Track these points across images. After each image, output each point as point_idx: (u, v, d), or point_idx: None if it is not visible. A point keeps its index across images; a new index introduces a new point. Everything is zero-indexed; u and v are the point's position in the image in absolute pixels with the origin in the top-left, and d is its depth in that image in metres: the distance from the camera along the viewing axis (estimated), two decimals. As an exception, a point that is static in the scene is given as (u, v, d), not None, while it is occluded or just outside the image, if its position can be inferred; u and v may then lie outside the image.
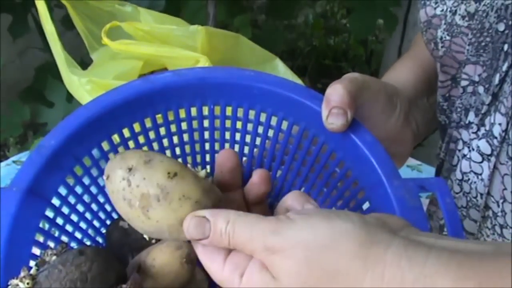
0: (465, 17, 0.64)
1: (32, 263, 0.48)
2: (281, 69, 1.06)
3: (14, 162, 1.06)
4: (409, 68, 0.76)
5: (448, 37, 0.66)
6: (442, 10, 0.66)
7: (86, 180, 0.60)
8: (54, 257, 0.48)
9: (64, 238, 0.59)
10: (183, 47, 0.94)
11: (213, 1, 1.59)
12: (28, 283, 0.45)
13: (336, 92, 0.56)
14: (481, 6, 0.63)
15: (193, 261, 0.53)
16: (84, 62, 1.09)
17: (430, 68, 0.75)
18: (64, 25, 1.45)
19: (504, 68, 0.58)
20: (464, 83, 0.66)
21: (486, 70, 0.62)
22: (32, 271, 0.47)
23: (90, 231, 0.63)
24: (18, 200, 0.50)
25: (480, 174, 0.62)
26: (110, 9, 1.07)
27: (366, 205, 0.57)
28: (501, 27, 0.60)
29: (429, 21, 0.68)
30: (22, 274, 0.46)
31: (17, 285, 0.45)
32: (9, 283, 0.45)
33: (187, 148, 0.66)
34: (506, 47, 0.59)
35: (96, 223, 0.64)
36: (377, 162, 0.54)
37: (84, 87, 0.89)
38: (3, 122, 1.78)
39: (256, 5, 2.59)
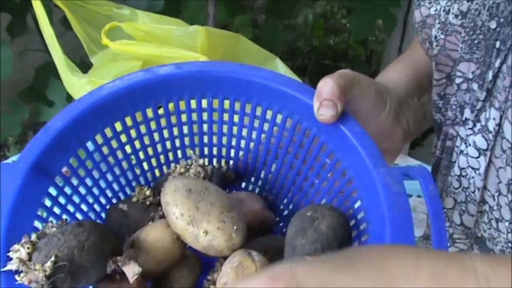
0: (458, 16, 0.66)
1: (33, 234, 0.51)
2: (281, 69, 1.07)
3: (14, 162, 1.07)
4: (401, 69, 0.78)
5: (442, 36, 0.68)
6: (436, 10, 0.68)
7: (89, 164, 0.62)
8: (54, 229, 0.51)
9: (66, 218, 0.61)
10: (183, 47, 0.95)
11: (213, 1, 1.59)
12: (28, 248, 0.48)
13: (326, 85, 0.58)
14: (473, 4, 0.64)
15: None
16: (84, 62, 1.10)
17: (422, 70, 0.77)
18: (64, 25, 1.46)
19: (497, 64, 0.60)
20: (458, 80, 0.67)
21: (479, 67, 0.64)
22: (33, 238, 0.50)
23: (90, 214, 0.65)
24: (23, 174, 0.53)
25: (478, 169, 0.63)
26: (108, 12, 1.08)
27: (354, 193, 0.59)
28: (493, 24, 0.61)
29: (424, 21, 0.69)
30: (23, 240, 0.49)
31: (18, 250, 0.48)
32: (11, 249, 0.48)
33: (186, 140, 0.68)
34: (498, 44, 0.60)
35: (96, 206, 0.66)
36: (364, 151, 0.57)
37: (85, 87, 0.90)
38: (3, 122, 1.78)
39: (256, 5, 2.60)
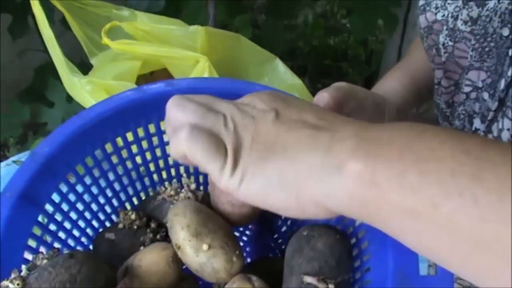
0: (467, 22, 0.63)
1: (24, 267, 0.49)
2: (281, 69, 1.06)
3: (14, 162, 1.06)
4: (398, 78, 0.76)
5: (450, 43, 0.65)
6: (444, 16, 0.66)
7: (79, 188, 0.61)
8: (45, 261, 0.49)
9: (57, 245, 0.59)
10: (183, 47, 0.94)
11: (213, 1, 1.59)
12: (18, 284, 0.46)
13: (322, 99, 0.57)
14: (484, 11, 0.62)
15: (179, 261, 0.54)
16: (84, 63, 1.09)
17: (420, 78, 0.75)
18: (64, 25, 1.45)
19: (510, 73, 0.57)
20: (467, 89, 0.65)
21: (490, 75, 0.61)
22: (23, 273, 0.48)
23: (83, 239, 0.64)
24: (11, 205, 0.51)
25: None
26: (107, 14, 1.08)
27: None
28: (506, 32, 0.59)
29: (430, 27, 0.67)
30: (12, 275, 0.47)
31: (7, 286, 0.46)
32: (0, 284, 0.47)
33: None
34: (511, 52, 0.58)
35: (89, 231, 0.65)
36: None
37: (85, 87, 0.89)
38: (3, 122, 1.77)
39: (256, 5, 2.59)
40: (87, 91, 0.89)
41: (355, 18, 1.92)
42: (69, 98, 1.60)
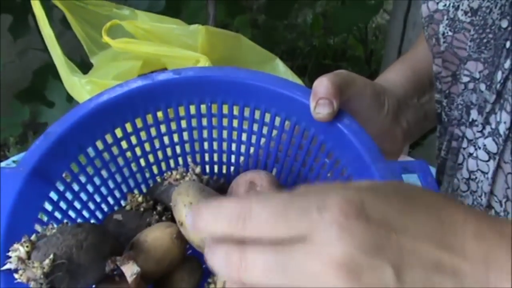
0: (467, 13, 0.64)
1: (34, 235, 0.51)
2: (281, 69, 1.07)
3: (14, 162, 1.07)
4: (399, 70, 0.77)
5: (450, 33, 0.66)
6: (445, 5, 0.66)
7: (90, 170, 0.63)
8: (54, 231, 0.52)
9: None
10: (183, 47, 0.95)
11: (213, 1, 1.59)
12: (27, 247, 0.49)
13: (322, 84, 0.59)
14: (484, 2, 0.62)
15: (183, 238, 0.57)
16: (84, 62, 1.10)
17: (422, 70, 0.76)
18: (64, 24, 1.46)
19: (507, 65, 0.58)
20: (465, 79, 0.65)
21: (487, 67, 0.62)
22: (32, 238, 0.50)
23: (92, 221, 0.65)
24: (23, 178, 0.53)
25: (487, 173, 0.61)
26: (108, 13, 1.08)
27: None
28: (504, 23, 0.59)
29: (431, 16, 0.68)
30: (23, 240, 0.49)
31: (18, 249, 0.49)
32: (10, 248, 0.49)
33: (187, 147, 0.68)
34: (508, 44, 0.58)
35: (98, 214, 0.66)
36: (362, 147, 0.57)
37: (85, 87, 0.90)
38: (3, 122, 1.78)
39: (256, 5, 2.59)
40: (87, 91, 0.90)
41: (337, 15, 1.95)
42: (69, 98, 1.61)
